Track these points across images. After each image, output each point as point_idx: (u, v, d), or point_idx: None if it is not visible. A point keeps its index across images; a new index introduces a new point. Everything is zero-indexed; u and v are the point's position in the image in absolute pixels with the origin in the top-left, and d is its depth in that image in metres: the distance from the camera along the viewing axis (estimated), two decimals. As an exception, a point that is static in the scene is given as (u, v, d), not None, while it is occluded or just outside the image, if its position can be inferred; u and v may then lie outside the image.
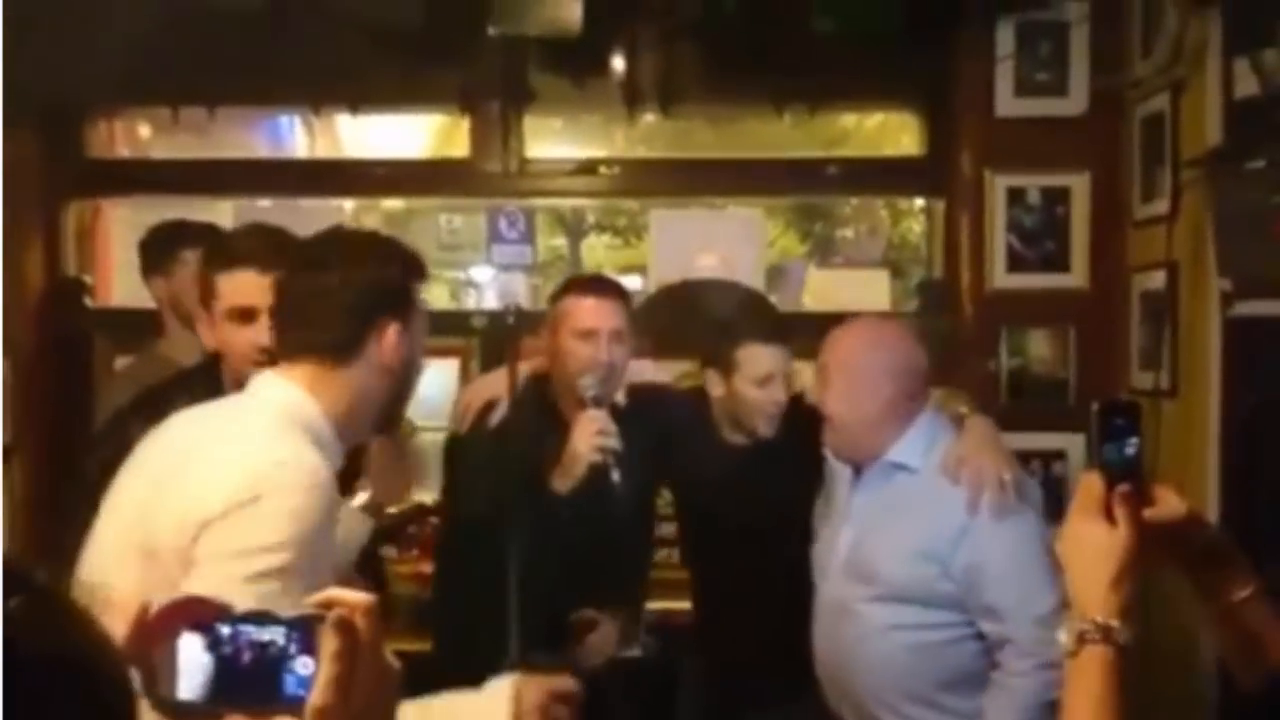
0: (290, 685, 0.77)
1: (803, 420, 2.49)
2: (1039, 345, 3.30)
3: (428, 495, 3.11)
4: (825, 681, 2.38)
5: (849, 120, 5.02)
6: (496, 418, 2.55)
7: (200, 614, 0.77)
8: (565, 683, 1.53)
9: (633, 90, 3.59)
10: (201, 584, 1.38)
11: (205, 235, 2.76)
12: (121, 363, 3.43)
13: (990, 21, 3.30)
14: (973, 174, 3.37)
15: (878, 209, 6.00)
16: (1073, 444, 3.16)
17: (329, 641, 0.78)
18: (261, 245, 2.07)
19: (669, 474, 2.79)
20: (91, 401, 3.57)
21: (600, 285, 2.66)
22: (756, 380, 2.61)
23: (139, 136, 4.01)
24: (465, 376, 3.78)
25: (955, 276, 3.45)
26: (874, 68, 3.39)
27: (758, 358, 2.62)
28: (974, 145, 3.39)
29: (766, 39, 3.24)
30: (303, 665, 0.77)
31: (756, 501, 2.59)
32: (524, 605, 2.21)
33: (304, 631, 0.78)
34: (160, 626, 0.77)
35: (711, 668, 2.81)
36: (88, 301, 3.68)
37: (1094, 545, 1.23)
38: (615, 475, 2.42)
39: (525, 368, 2.54)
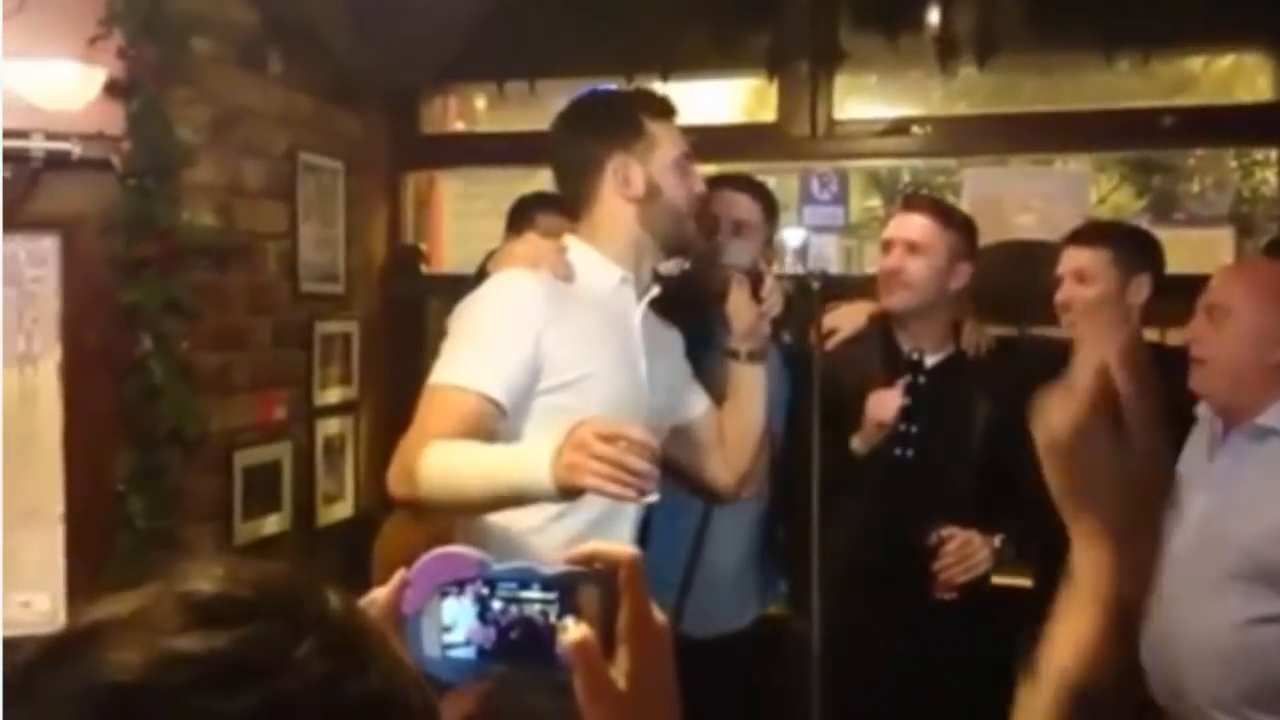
0: (559, 648, 0.72)
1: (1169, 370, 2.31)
2: None
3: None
4: (1153, 669, 2.15)
5: (1194, 64, 4.57)
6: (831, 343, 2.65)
7: (459, 568, 0.74)
8: (613, 422, 1.63)
9: (948, 43, 3.44)
10: (444, 352, 1.90)
11: (554, 201, 3.00)
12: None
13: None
14: (1338, 120, 3.01)
15: (1226, 160, 5.46)
16: None
17: (592, 601, 0.72)
18: None
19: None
20: (425, 361, 3.85)
21: (907, 200, 2.83)
22: None
23: (471, 111, 4.26)
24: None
25: (1315, 236, 3.10)
26: (1220, 4, 3.07)
27: None
28: (1340, 87, 3.02)
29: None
30: (565, 627, 0.72)
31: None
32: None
33: (565, 590, 0.73)
34: (419, 582, 0.74)
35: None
36: (423, 268, 3.97)
37: None
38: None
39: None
